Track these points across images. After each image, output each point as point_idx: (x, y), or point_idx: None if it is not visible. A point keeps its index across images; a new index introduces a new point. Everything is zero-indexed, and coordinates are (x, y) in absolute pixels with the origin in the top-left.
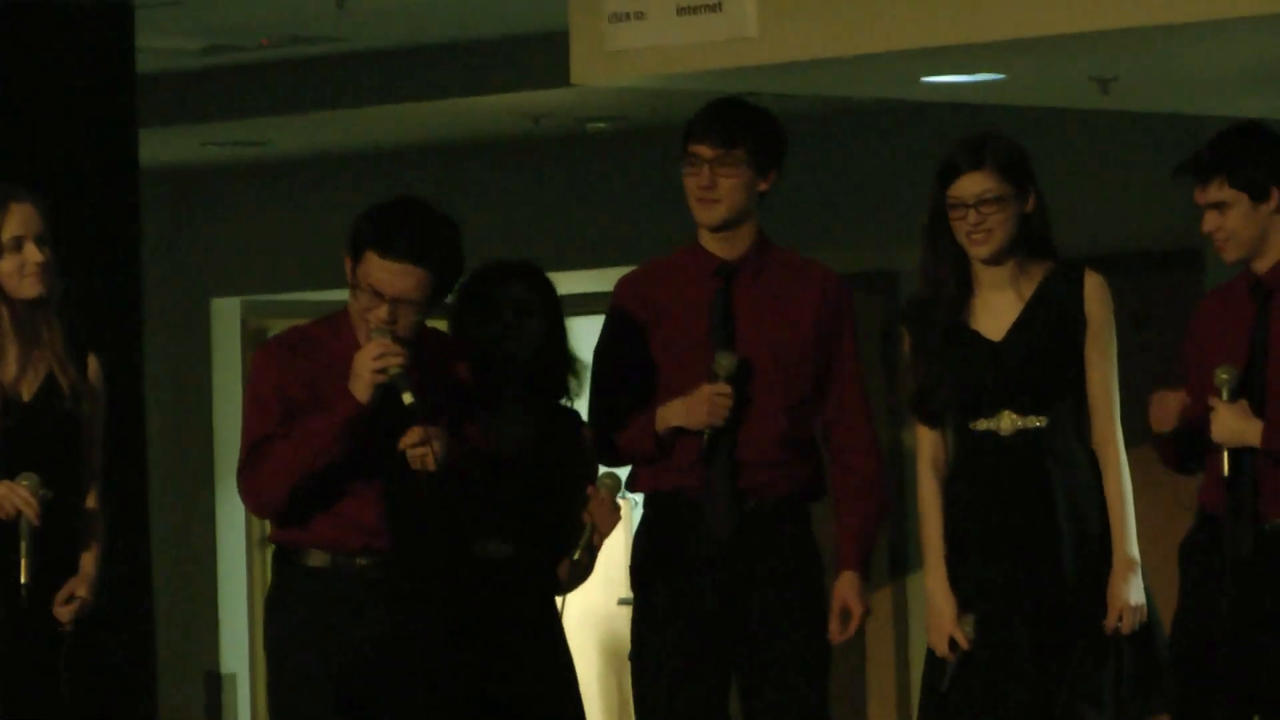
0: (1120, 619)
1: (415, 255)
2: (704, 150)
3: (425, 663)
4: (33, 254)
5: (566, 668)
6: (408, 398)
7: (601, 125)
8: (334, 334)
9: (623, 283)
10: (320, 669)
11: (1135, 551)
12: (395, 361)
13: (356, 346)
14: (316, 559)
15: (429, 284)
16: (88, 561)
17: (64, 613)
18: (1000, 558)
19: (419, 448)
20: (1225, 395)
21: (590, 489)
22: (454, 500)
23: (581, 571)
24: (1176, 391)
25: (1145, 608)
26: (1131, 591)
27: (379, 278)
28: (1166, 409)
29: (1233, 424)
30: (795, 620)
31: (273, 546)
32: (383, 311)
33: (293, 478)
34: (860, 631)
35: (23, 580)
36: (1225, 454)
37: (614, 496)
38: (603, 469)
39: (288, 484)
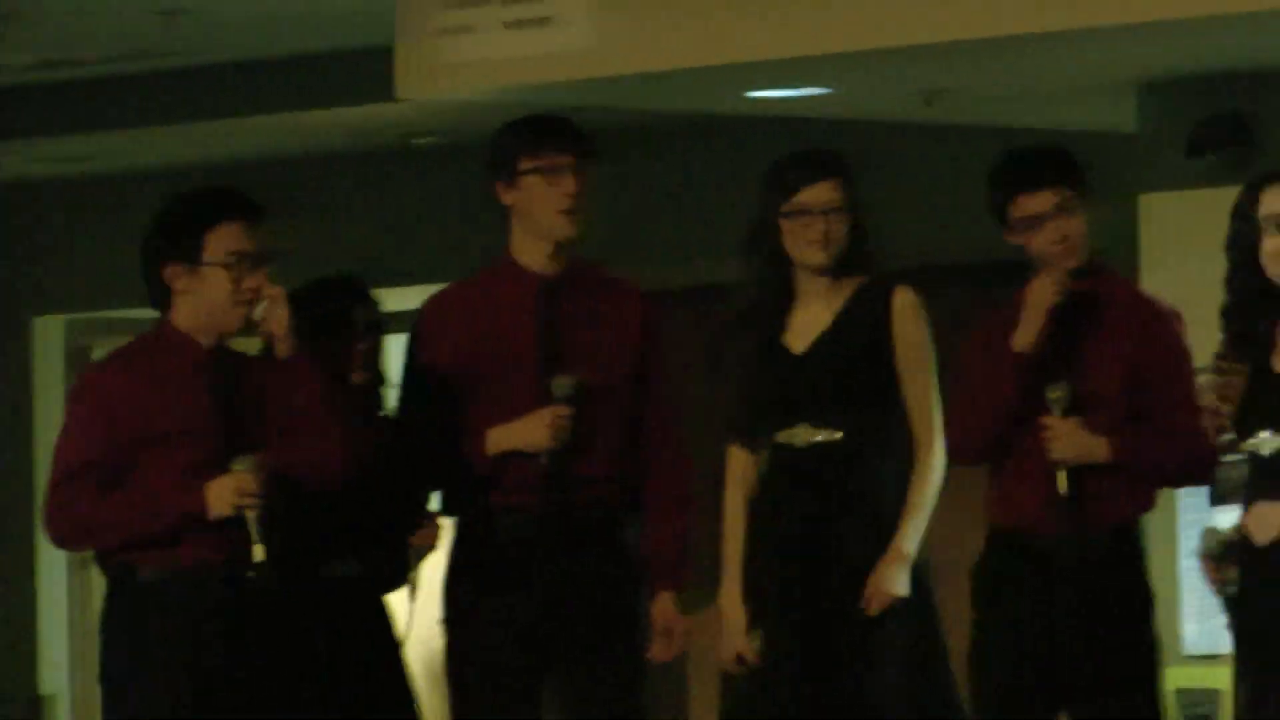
0: (872, 600)
1: (258, 209)
2: (565, 159)
3: (266, 686)
4: None
5: (407, 685)
6: (258, 551)
7: (428, 140)
8: (165, 349)
9: (433, 301)
10: (165, 690)
11: (911, 548)
12: (251, 503)
13: (189, 356)
14: (153, 574)
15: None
16: None
17: None
18: (786, 571)
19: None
20: (1059, 412)
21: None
22: (302, 523)
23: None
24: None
25: (906, 600)
26: (895, 581)
27: (247, 244)
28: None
29: (1078, 441)
30: (613, 631)
31: (97, 563)
32: (260, 277)
33: (117, 538)
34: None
35: None
36: (1064, 472)
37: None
38: None
39: (109, 541)
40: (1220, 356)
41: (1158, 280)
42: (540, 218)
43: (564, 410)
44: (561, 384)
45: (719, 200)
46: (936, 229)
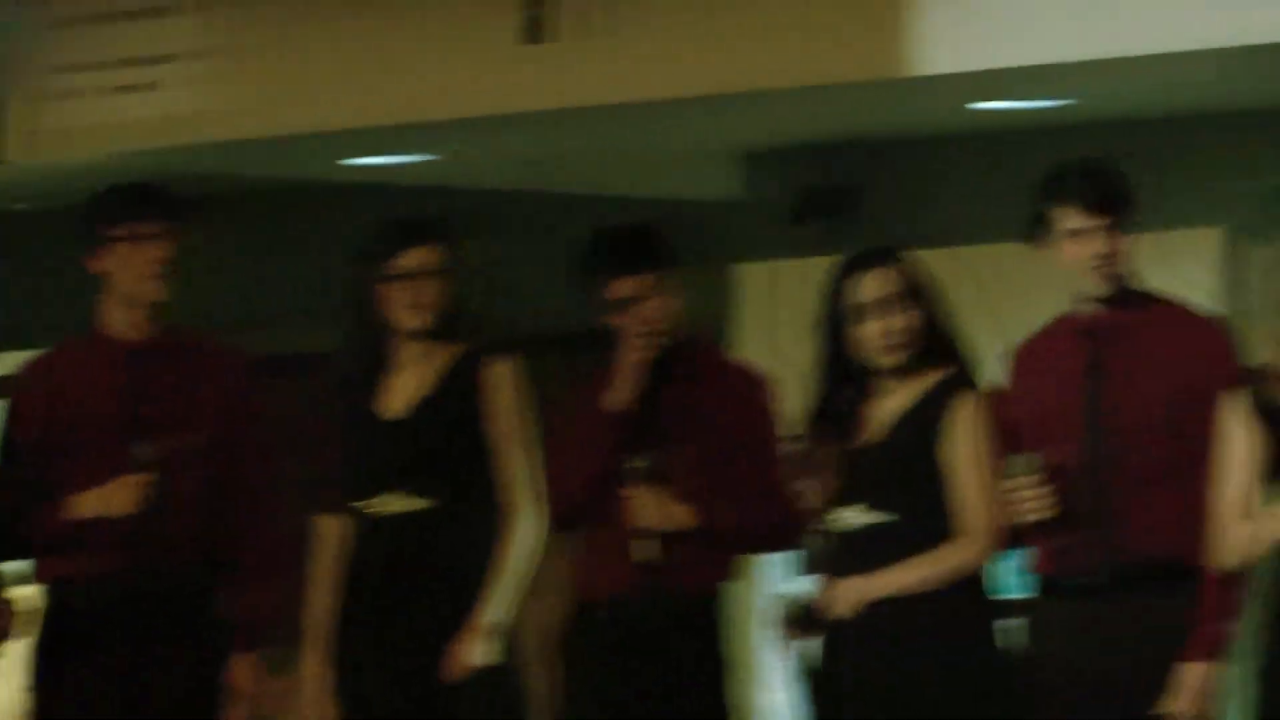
0: (450, 668)
1: None
2: (153, 228)
3: None
4: None
5: None
6: None
7: (25, 205)
8: None
9: (24, 369)
10: None
11: (493, 617)
12: None
13: None
14: None
15: None
16: None
17: None
18: (370, 639)
19: None
20: (640, 481)
21: None
22: None
23: None
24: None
25: (489, 669)
26: (474, 650)
27: None
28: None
29: (660, 509)
30: (193, 697)
31: None
32: None
33: None
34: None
35: None
36: (646, 540)
37: None
38: None
39: None
40: (805, 436)
41: (752, 348)
42: (128, 283)
43: (146, 477)
44: (143, 450)
45: (320, 266)
46: (538, 296)
